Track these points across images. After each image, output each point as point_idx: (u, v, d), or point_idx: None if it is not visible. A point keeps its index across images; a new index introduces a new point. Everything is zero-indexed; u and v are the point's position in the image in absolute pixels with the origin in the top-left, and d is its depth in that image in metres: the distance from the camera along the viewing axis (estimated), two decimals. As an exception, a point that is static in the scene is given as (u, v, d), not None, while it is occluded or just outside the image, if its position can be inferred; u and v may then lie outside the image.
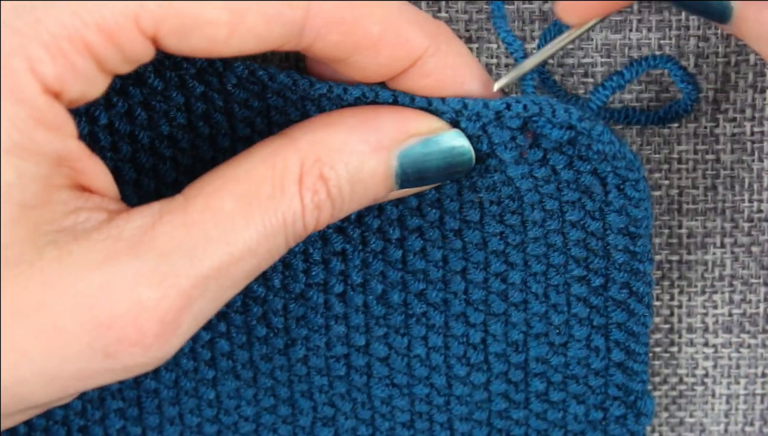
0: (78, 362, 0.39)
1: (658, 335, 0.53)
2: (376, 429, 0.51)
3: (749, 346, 0.53)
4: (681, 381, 0.54)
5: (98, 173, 0.40)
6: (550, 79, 0.50)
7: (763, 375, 0.54)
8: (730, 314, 0.53)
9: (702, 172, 0.51)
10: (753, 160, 0.51)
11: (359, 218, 0.48)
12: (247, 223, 0.40)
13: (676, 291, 0.53)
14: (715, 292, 0.53)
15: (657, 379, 0.54)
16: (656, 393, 0.54)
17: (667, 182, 0.51)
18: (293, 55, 0.50)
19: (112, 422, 0.51)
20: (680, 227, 0.52)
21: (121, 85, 0.45)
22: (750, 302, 0.53)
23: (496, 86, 0.44)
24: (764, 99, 0.50)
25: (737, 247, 0.52)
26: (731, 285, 0.53)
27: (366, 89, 0.43)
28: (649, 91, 0.50)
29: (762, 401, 0.54)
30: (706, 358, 0.54)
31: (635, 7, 0.49)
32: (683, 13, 0.49)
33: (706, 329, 0.53)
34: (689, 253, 0.52)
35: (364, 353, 0.50)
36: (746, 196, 0.51)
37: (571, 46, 0.50)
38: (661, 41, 0.49)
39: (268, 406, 0.51)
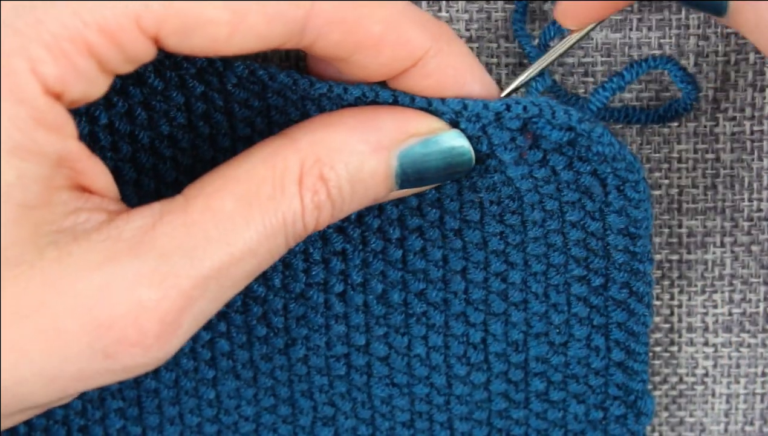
0: (78, 363, 0.39)
1: (658, 335, 0.53)
2: (376, 429, 0.51)
3: (749, 345, 0.53)
4: (681, 380, 0.54)
5: (98, 174, 0.40)
6: (551, 79, 0.50)
7: (763, 374, 0.54)
8: (730, 314, 0.53)
9: (702, 171, 0.51)
10: (753, 159, 0.51)
11: (359, 217, 0.48)
12: (248, 223, 0.40)
13: (676, 290, 0.53)
14: (715, 291, 0.53)
15: (657, 378, 0.54)
16: (656, 393, 0.54)
17: (667, 181, 0.51)
18: (293, 54, 0.50)
19: (112, 421, 0.51)
20: (680, 226, 0.52)
21: (121, 85, 0.45)
22: (750, 301, 0.53)
23: (502, 95, 0.45)
24: (764, 98, 0.50)
25: (737, 246, 0.52)
26: (731, 284, 0.53)
27: (366, 89, 0.43)
28: (648, 90, 0.50)
29: (762, 401, 0.54)
30: (706, 357, 0.54)
31: (635, 6, 0.49)
32: (683, 12, 0.49)
33: (706, 329, 0.53)
34: (689, 252, 0.52)
35: (365, 352, 0.50)
36: (746, 195, 0.51)
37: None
38: (661, 40, 0.49)
39: (269, 406, 0.51)
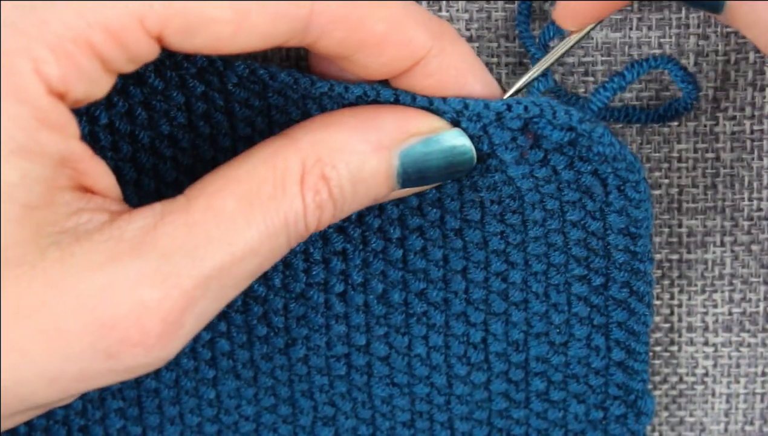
0: (80, 363, 0.39)
1: (658, 334, 0.53)
2: (376, 429, 0.51)
3: (749, 345, 0.53)
4: (681, 380, 0.54)
5: (101, 174, 0.40)
6: (552, 79, 0.50)
7: (763, 374, 0.54)
8: (730, 313, 0.53)
9: (702, 171, 0.51)
10: (752, 159, 0.51)
11: (360, 217, 0.48)
12: (249, 223, 0.40)
13: (676, 290, 0.53)
14: (715, 290, 0.53)
15: (657, 378, 0.54)
16: (656, 392, 0.54)
17: (667, 181, 0.51)
18: (294, 53, 0.49)
19: (112, 421, 0.51)
20: (680, 225, 0.52)
21: (122, 84, 0.45)
22: (750, 300, 0.53)
23: (506, 96, 0.45)
24: (764, 97, 0.50)
25: (737, 245, 0.52)
26: (731, 284, 0.53)
27: (367, 88, 0.43)
28: (649, 90, 0.50)
29: (762, 400, 0.54)
30: (706, 357, 0.54)
31: (635, 5, 0.49)
32: (683, 12, 0.49)
33: (706, 328, 0.53)
34: (689, 251, 0.52)
35: (365, 352, 0.50)
36: (746, 195, 0.51)
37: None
38: (661, 39, 0.49)
39: (269, 405, 0.51)
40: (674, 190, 0.52)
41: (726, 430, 0.55)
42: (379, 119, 0.43)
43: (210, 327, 0.49)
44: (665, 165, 0.51)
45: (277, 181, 0.41)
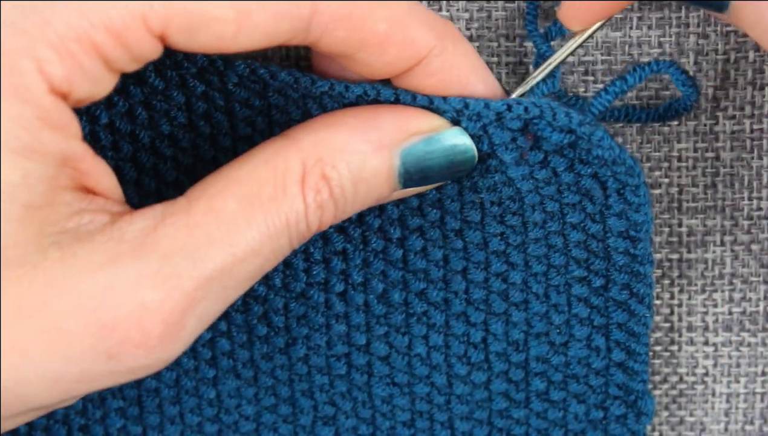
0: (81, 364, 0.39)
1: (658, 334, 0.53)
2: (376, 428, 0.51)
3: (749, 344, 0.53)
4: (681, 380, 0.54)
5: (102, 175, 0.40)
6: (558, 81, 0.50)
7: (764, 374, 0.54)
8: (730, 313, 0.53)
9: (702, 170, 0.51)
10: (752, 158, 0.51)
11: (360, 217, 0.48)
12: (250, 224, 0.40)
13: (676, 289, 0.53)
14: (715, 290, 0.53)
15: (657, 378, 0.54)
16: (656, 392, 0.54)
17: (666, 180, 0.51)
18: (294, 53, 0.49)
19: (112, 421, 0.51)
20: (680, 225, 0.52)
21: (122, 84, 0.45)
22: (750, 300, 0.53)
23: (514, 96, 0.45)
24: (763, 96, 0.50)
25: (737, 245, 0.52)
26: (731, 283, 0.53)
27: (368, 87, 0.43)
28: (648, 89, 0.50)
29: (762, 400, 0.54)
30: (707, 356, 0.54)
31: (635, 4, 0.49)
32: (683, 11, 0.49)
33: (706, 328, 0.53)
34: (689, 251, 0.52)
35: (365, 352, 0.50)
36: (746, 194, 0.51)
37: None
38: (661, 38, 0.49)
39: (269, 405, 0.51)
40: (674, 190, 0.52)
41: (726, 429, 0.55)
42: (380, 119, 0.43)
43: (210, 327, 0.49)
44: (665, 164, 0.51)
45: (277, 182, 0.41)
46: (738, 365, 0.54)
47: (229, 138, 0.47)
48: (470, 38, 0.50)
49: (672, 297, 0.53)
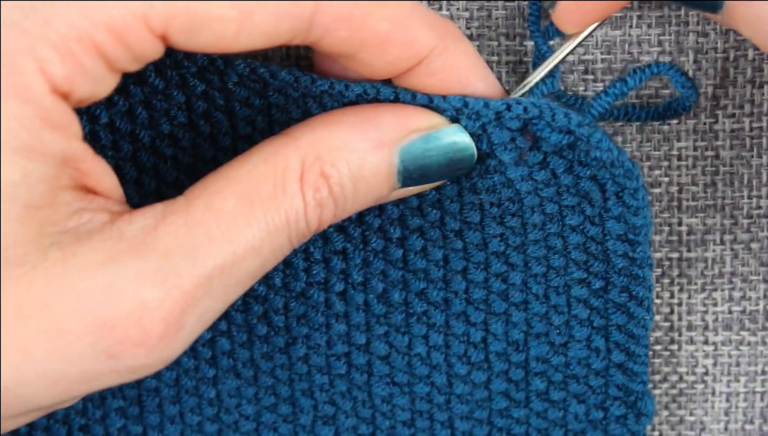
0: (81, 364, 0.39)
1: (658, 333, 0.53)
2: (376, 428, 0.51)
3: (749, 343, 0.53)
4: (681, 379, 0.54)
5: (102, 175, 0.40)
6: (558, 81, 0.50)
7: (763, 373, 0.54)
8: (730, 312, 0.53)
9: (701, 169, 0.51)
10: (752, 156, 0.51)
11: (360, 217, 0.48)
12: (250, 222, 0.40)
13: (676, 289, 0.53)
14: (715, 289, 0.53)
15: (657, 377, 0.54)
16: (656, 391, 0.54)
17: (666, 179, 0.51)
18: (294, 52, 0.49)
19: (112, 420, 0.51)
20: (680, 224, 0.52)
21: (122, 83, 0.45)
22: (750, 299, 0.53)
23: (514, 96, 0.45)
24: (763, 95, 0.50)
25: (737, 244, 0.52)
26: (731, 282, 0.53)
27: (367, 86, 0.43)
28: (648, 88, 0.50)
29: (762, 399, 0.54)
30: (706, 356, 0.54)
31: (635, 3, 0.49)
32: (683, 10, 0.49)
33: (706, 327, 0.53)
34: (689, 250, 0.52)
35: (365, 351, 0.50)
36: (745, 193, 0.51)
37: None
38: (661, 37, 0.49)
39: (269, 404, 0.51)
40: (674, 189, 0.52)
41: (726, 429, 0.55)
42: (379, 117, 0.43)
43: (210, 326, 0.49)
44: (665, 163, 0.51)
45: (277, 180, 0.41)
46: (738, 364, 0.54)
47: (229, 137, 0.47)
48: (470, 37, 0.50)
49: (672, 296, 0.53)
